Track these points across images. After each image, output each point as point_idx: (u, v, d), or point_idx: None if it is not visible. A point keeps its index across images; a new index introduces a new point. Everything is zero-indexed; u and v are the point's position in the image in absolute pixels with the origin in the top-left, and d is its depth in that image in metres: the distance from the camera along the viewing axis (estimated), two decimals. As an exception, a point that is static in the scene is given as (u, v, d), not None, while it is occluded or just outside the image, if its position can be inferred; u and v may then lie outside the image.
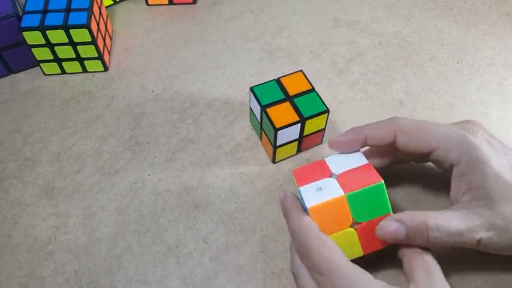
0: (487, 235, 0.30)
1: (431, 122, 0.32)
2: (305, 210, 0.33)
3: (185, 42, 0.53)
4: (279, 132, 0.39)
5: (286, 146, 0.41)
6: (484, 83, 0.48)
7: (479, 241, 0.30)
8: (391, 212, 0.32)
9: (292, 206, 0.33)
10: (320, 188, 0.33)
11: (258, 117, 0.41)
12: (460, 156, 0.30)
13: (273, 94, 0.40)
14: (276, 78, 0.42)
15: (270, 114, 0.39)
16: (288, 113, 0.39)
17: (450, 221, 0.30)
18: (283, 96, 0.40)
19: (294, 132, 0.40)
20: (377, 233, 0.32)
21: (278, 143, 0.40)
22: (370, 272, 0.30)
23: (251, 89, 0.41)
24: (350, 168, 0.34)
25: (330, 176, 0.34)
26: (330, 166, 0.35)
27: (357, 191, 0.32)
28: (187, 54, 0.52)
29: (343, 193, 0.32)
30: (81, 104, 0.48)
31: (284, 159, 0.43)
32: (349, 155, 0.36)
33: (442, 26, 0.54)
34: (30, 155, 0.44)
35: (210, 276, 0.37)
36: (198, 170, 0.43)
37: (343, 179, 0.33)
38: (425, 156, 0.33)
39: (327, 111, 0.40)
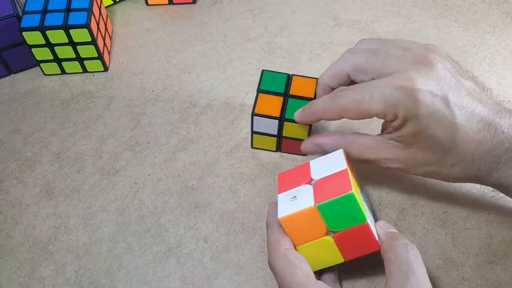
0: (393, 166, 0.34)
1: (368, 90, 0.31)
2: None
3: (185, 42, 0.53)
4: (255, 117, 0.39)
5: (264, 136, 0.42)
6: (484, 82, 0.48)
7: (385, 167, 0.35)
8: (367, 221, 0.31)
9: (270, 221, 0.34)
10: (294, 197, 0.32)
11: (255, 99, 0.41)
12: (396, 115, 0.31)
13: (276, 84, 0.41)
14: (290, 73, 0.42)
15: (258, 99, 0.40)
16: (274, 107, 0.40)
17: (356, 149, 0.35)
18: (282, 91, 0.41)
19: (271, 126, 0.40)
20: (302, 149, 0.37)
21: (255, 129, 0.41)
22: (360, 276, 0.30)
23: (263, 71, 0.42)
24: (328, 174, 0.32)
25: (309, 182, 0.33)
26: (311, 170, 0.34)
27: (326, 201, 0.30)
28: (187, 54, 0.52)
29: (313, 204, 0.31)
30: (81, 104, 0.48)
31: (280, 156, 0.43)
32: (332, 157, 0.34)
33: (442, 25, 0.54)
34: (30, 155, 0.44)
35: (210, 276, 0.37)
36: (198, 170, 0.43)
37: (318, 186, 0.32)
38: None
39: (310, 125, 0.39)
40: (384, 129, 0.34)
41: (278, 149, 0.43)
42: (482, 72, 0.49)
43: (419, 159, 0.33)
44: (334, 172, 0.32)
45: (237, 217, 0.40)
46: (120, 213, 0.40)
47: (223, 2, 0.57)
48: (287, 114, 0.39)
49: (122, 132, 0.46)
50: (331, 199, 0.30)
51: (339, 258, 0.32)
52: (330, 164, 0.33)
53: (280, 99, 0.40)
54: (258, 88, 0.40)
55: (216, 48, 0.52)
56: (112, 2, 0.57)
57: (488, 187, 0.35)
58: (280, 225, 0.32)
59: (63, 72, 0.50)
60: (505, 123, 0.31)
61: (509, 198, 0.38)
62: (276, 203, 0.34)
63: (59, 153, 0.44)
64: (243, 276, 0.37)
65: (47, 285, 0.37)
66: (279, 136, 0.41)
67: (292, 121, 0.39)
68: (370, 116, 0.32)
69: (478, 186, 0.41)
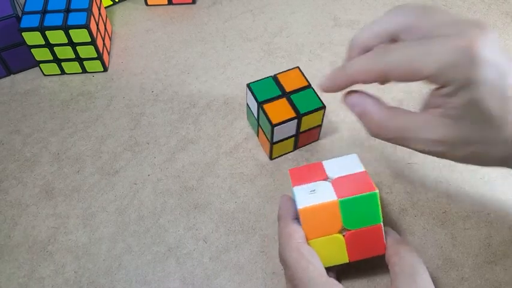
0: (433, 149, 0.29)
1: (423, 47, 0.27)
2: (296, 210, 0.33)
3: (184, 42, 0.53)
4: (275, 128, 0.39)
5: (283, 142, 0.41)
6: (483, 82, 0.48)
7: (423, 152, 0.29)
8: (381, 223, 0.32)
9: (282, 213, 0.33)
10: (314, 190, 0.32)
11: (255, 114, 0.42)
12: (451, 80, 0.26)
13: (269, 90, 0.41)
14: (272, 74, 0.42)
15: (266, 111, 0.39)
16: (285, 109, 0.39)
17: (401, 126, 0.29)
18: (279, 93, 0.41)
19: (290, 128, 0.40)
20: (343, 97, 0.31)
21: (275, 139, 0.40)
22: (360, 277, 0.30)
23: (248, 85, 0.41)
24: (346, 174, 0.33)
25: (325, 179, 0.34)
26: (326, 169, 0.35)
27: (350, 197, 0.31)
28: (187, 54, 0.52)
29: (336, 198, 0.31)
30: (80, 105, 0.48)
31: (281, 156, 0.43)
32: (347, 160, 0.35)
33: (441, 25, 0.54)
34: (29, 156, 0.44)
35: (210, 276, 0.37)
36: (198, 170, 0.43)
37: (337, 183, 0.33)
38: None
39: (324, 107, 0.40)
40: (428, 105, 0.29)
41: (295, 147, 0.43)
42: (482, 72, 0.49)
43: (466, 137, 0.28)
44: (352, 173, 0.33)
45: (236, 217, 0.40)
46: (120, 213, 0.40)
47: (222, 2, 0.57)
48: (301, 109, 0.39)
49: (121, 132, 0.46)
50: (355, 195, 0.31)
51: (344, 258, 0.33)
52: (346, 166, 0.34)
53: (284, 100, 0.40)
54: (258, 102, 0.40)
55: (216, 48, 0.52)
56: (111, 3, 0.57)
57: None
58: (294, 218, 0.32)
59: (62, 72, 0.50)
60: None
61: (509, 199, 0.38)
62: (289, 197, 0.34)
63: (58, 154, 0.44)
64: (243, 276, 0.37)
65: (46, 285, 0.37)
66: (297, 134, 0.41)
67: (308, 113, 0.39)
68: (419, 78, 0.27)
69: (477, 186, 0.41)
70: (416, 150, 0.29)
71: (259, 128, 0.42)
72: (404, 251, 0.31)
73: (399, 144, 0.29)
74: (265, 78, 0.42)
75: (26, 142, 0.45)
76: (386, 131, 0.29)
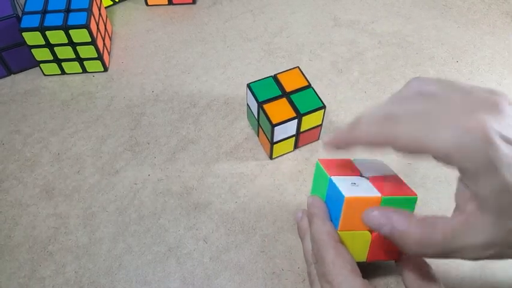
0: (483, 254, 0.25)
1: (433, 122, 0.26)
2: (334, 201, 0.32)
3: (185, 42, 0.53)
4: (275, 128, 0.39)
5: (283, 142, 0.41)
6: (483, 82, 0.48)
7: (474, 259, 0.26)
8: None
9: (317, 212, 0.33)
10: (354, 183, 0.32)
11: (255, 114, 0.42)
12: (466, 163, 0.24)
13: (269, 90, 0.41)
14: (272, 74, 0.42)
15: (266, 111, 0.39)
16: (285, 109, 0.39)
17: (445, 238, 0.26)
18: (280, 93, 0.41)
19: (290, 128, 0.40)
20: (362, 218, 0.30)
21: (275, 139, 0.40)
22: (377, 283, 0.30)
23: (248, 85, 0.41)
24: (380, 174, 0.33)
25: (360, 176, 0.33)
26: (358, 167, 0.34)
27: (393, 196, 0.31)
28: (187, 54, 0.52)
29: (380, 194, 0.31)
30: (81, 105, 0.48)
31: (281, 156, 0.43)
32: (375, 162, 0.35)
33: (441, 25, 0.54)
34: (30, 156, 0.44)
35: (210, 276, 0.37)
36: (198, 170, 0.43)
37: (376, 182, 0.32)
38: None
39: (324, 107, 0.40)
40: (460, 203, 0.27)
41: (295, 146, 0.43)
42: (482, 72, 0.49)
43: None
44: (386, 174, 0.33)
45: (236, 217, 0.40)
46: (120, 213, 0.40)
47: (223, 2, 0.57)
48: (301, 109, 0.40)
49: (121, 132, 0.46)
50: (397, 196, 0.31)
51: (362, 257, 0.32)
52: (377, 168, 0.34)
53: (284, 100, 0.40)
54: (258, 102, 0.40)
55: (216, 48, 0.53)
56: (112, 3, 0.57)
57: None
58: (329, 218, 0.32)
59: (63, 72, 0.50)
60: None
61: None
62: (318, 198, 0.34)
63: (58, 154, 0.44)
64: (243, 276, 0.37)
65: (46, 285, 0.37)
66: (297, 134, 0.41)
67: (308, 113, 0.39)
68: (426, 153, 0.26)
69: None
70: (468, 259, 0.26)
71: (260, 128, 0.42)
72: (420, 259, 0.31)
73: (445, 258, 0.27)
74: (265, 78, 0.42)
75: (26, 142, 0.45)
76: (430, 248, 0.26)
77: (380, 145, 0.28)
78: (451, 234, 0.26)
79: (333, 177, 0.32)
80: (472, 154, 0.24)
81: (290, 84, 0.41)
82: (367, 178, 0.33)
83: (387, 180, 0.33)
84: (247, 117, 0.46)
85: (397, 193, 0.31)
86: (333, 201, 0.32)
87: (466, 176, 0.25)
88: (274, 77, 0.42)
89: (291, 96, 0.40)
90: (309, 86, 0.41)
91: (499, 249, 0.25)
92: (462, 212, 0.26)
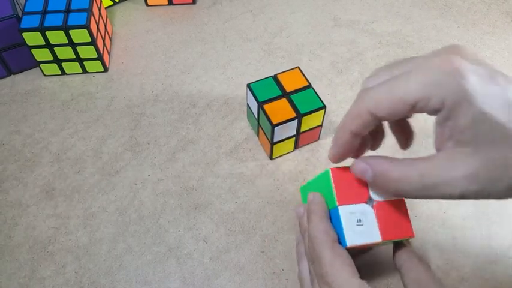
0: (468, 188, 0.25)
1: (402, 76, 0.26)
2: (336, 228, 0.32)
3: (184, 42, 0.53)
4: (276, 128, 0.39)
5: (283, 142, 0.41)
6: (483, 82, 0.48)
7: (462, 195, 0.25)
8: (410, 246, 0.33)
9: (315, 209, 0.32)
10: (359, 221, 0.31)
11: (255, 114, 0.42)
12: (442, 100, 0.25)
13: (270, 91, 0.41)
14: (272, 74, 0.42)
15: (267, 111, 0.39)
16: (285, 109, 0.39)
17: (423, 172, 0.26)
18: (280, 93, 0.41)
19: (291, 128, 0.40)
20: (351, 168, 0.30)
21: (275, 139, 0.40)
22: (359, 277, 0.30)
23: (248, 85, 0.41)
24: (386, 198, 0.32)
25: (367, 200, 0.32)
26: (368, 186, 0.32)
27: (391, 240, 0.31)
28: (187, 54, 0.52)
29: (380, 239, 0.31)
30: (81, 105, 0.48)
31: (282, 156, 0.43)
32: None
33: (441, 25, 0.54)
34: (30, 156, 0.44)
35: (210, 276, 0.37)
36: (198, 170, 0.43)
37: (380, 215, 0.31)
38: (411, 113, 0.27)
39: (324, 107, 0.40)
40: (439, 143, 0.27)
41: (295, 147, 0.43)
42: (482, 72, 0.49)
43: (495, 162, 0.24)
44: (392, 198, 0.32)
45: (237, 217, 0.40)
46: (120, 213, 0.40)
47: (222, 2, 0.57)
48: (301, 109, 0.40)
49: (121, 132, 0.46)
50: (396, 239, 0.31)
51: None
52: None
53: (284, 100, 0.40)
54: (258, 102, 0.40)
55: (216, 48, 0.53)
56: (112, 3, 0.57)
57: None
58: (328, 217, 0.32)
59: (63, 73, 0.50)
60: None
61: (510, 199, 0.38)
62: (319, 195, 0.33)
63: (58, 154, 0.44)
64: (243, 276, 0.37)
65: (47, 285, 0.37)
66: (297, 134, 0.41)
67: (309, 113, 0.39)
68: (408, 106, 0.26)
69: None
70: (451, 197, 0.25)
71: (260, 128, 0.42)
72: (419, 258, 0.31)
73: (429, 197, 0.26)
74: (265, 78, 0.42)
75: (26, 142, 0.45)
76: (410, 184, 0.26)
77: (368, 120, 0.27)
78: (431, 168, 0.26)
79: (342, 209, 0.31)
80: (446, 89, 0.24)
81: (290, 84, 0.41)
82: (373, 206, 0.32)
83: (392, 211, 0.32)
84: (247, 118, 0.46)
85: (396, 235, 0.31)
86: (334, 226, 0.32)
87: (442, 114, 0.25)
88: (274, 77, 0.42)
89: (291, 96, 0.40)
90: (309, 86, 0.41)
91: (482, 183, 0.25)
92: (441, 150, 0.26)
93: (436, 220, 0.39)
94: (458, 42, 0.52)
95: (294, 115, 0.39)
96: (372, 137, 0.32)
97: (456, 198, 0.25)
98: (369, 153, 0.31)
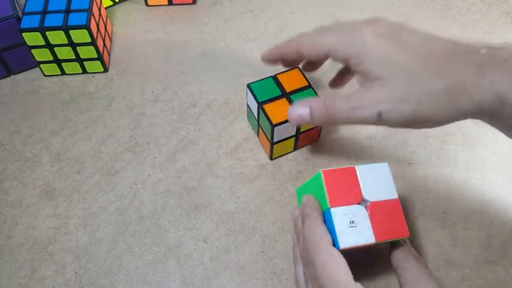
0: (385, 108, 0.31)
1: (325, 33, 0.35)
2: (331, 236, 0.31)
3: (185, 42, 0.53)
4: (276, 128, 0.39)
5: (283, 142, 0.41)
6: (483, 82, 0.48)
7: (379, 114, 0.31)
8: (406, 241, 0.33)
9: (309, 212, 0.33)
10: (352, 222, 0.31)
11: (255, 114, 0.42)
12: (348, 52, 0.33)
13: (269, 91, 0.41)
14: (272, 75, 0.42)
15: (267, 111, 0.39)
16: (285, 110, 0.39)
17: (349, 98, 0.33)
18: (280, 93, 0.41)
19: (291, 128, 0.40)
20: (288, 118, 0.36)
21: (275, 139, 0.40)
22: (360, 277, 0.30)
23: (248, 85, 0.41)
24: (381, 199, 0.32)
25: (360, 201, 0.32)
26: (361, 186, 0.33)
27: (385, 240, 0.31)
28: (187, 54, 0.52)
29: (374, 240, 0.31)
30: (81, 105, 0.48)
31: (282, 156, 0.43)
32: (381, 172, 0.34)
33: (441, 25, 0.54)
34: (30, 156, 0.44)
35: (210, 276, 0.37)
36: (198, 170, 0.43)
37: (374, 215, 0.32)
38: (325, 57, 0.36)
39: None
40: (360, 83, 0.35)
41: (295, 147, 0.43)
42: (482, 72, 0.49)
43: (401, 92, 0.31)
44: (386, 199, 0.32)
45: (237, 217, 0.40)
46: (120, 213, 0.40)
47: (223, 2, 0.57)
48: None
49: (121, 132, 0.46)
50: (389, 240, 0.31)
51: None
52: (380, 182, 0.33)
53: (284, 100, 0.40)
54: (258, 102, 0.40)
55: (216, 48, 0.53)
56: (112, 3, 0.57)
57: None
58: (322, 220, 0.32)
59: (63, 73, 0.50)
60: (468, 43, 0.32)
61: (509, 199, 0.38)
62: (313, 198, 0.33)
63: (58, 154, 0.44)
64: (243, 276, 0.37)
65: (47, 285, 0.37)
66: (297, 134, 0.41)
67: None
68: (323, 53, 0.35)
69: (477, 186, 0.41)
70: (372, 117, 0.32)
71: (260, 128, 0.42)
72: (415, 257, 0.32)
73: (352, 122, 0.33)
74: (265, 78, 0.42)
75: (26, 142, 0.45)
76: (338, 112, 0.33)
77: (294, 51, 0.36)
78: (350, 101, 0.33)
79: (334, 210, 0.31)
80: (349, 45, 0.33)
81: (290, 84, 0.41)
82: (367, 207, 0.32)
83: (386, 212, 0.32)
84: (247, 118, 0.46)
85: (390, 236, 0.31)
86: (328, 228, 0.32)
87: (353, 62, 0.33)
88: (274, 77, 0.42)
89: (291, 96, 0.40)
90: (309, 86, 0.41)
91: (391, 104, 0.31)
92: (358, 88, 0.34)
93: (436, 220, 0.39)
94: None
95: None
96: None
97: (376, 121, 0.32)
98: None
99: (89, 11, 0.46)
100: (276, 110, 0.39)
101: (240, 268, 0.37)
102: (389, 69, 0.31)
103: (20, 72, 0.51)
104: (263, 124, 0.41)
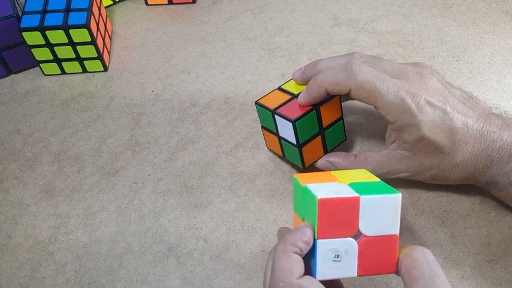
0: (406, 175, 0.37)
1: (384, 82, 0.34)
2: (310, 262, 0.29)
3: (185, 41, 0.53)
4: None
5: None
6: (483, 81, 0.48)
7: (397, 177, 0.38)
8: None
9: (291, 240, 0.29)
10: (337, 257, 0.28)
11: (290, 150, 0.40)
12: (396, 119, 0.35)
13: (310, 127, 0.38)
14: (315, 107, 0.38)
15: (303, 152, 0.39)
16: (317, 148, 0.40)
17: (374, 167, 0.37)
18: (317, 129, 0.39)
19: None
20: (316, 165, 0.39)
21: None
22: (360, 277, 0.29)
23: (293, 122, 0.37)
24: (378, 234, 0.29)
25: (354, 235, 0.28)
26: (360, 219, 0.28)
27: (369, 275, 0.29)
28: (187, 53, 0.52)
29: (355, 275, 0.28)
30: (81, 104, 0.48)
31: (281, 156, 0.43)
32: (388, 205, 0.29)
33: (441, 24, 0.54)
34: (30, 156, 0.44)
35: (210, 275, 0.37)
36: (198, 170, 0.43)
37: (363, 250, 0.28)
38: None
39: (345, 140, 0.41)
40: (388, 143, 0.37)
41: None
42: (482, 71, 0.49)
43: (425, 164, 0.36)
44: (384, 234, 0.29)
45: (237, 217, 0.40)
46: (120, 213, 0.40)
47: (223, 1, 0.57)
48: (329, 145, 0.40)
49: (121, 132, 0.46)
50: (372, 274, 0.29)
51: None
52: (383, 215, 0.29)
53: (319, 138, 0.39)
54: (299, 143, 0.38)
55: (216, 48, 0.53)
56: (112, 2, 0.57)
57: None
58: (297, 250, 0.28)
59: (63, 72, 0.50)
60: (495, 125, 0.35)
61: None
62: (309, 229, 0.29)
63: (58, 154, 0.44)
64: (243, 275, 0.37)
65: (47, 285, 0.37)
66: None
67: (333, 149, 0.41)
68: (377, 103, 0.35)
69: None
70: (390, 177, 0.38)
71: (283, 152, 0.41)
72: (416, 251, 0.29)
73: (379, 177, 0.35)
74: (309, 112, 0.37)
75: (26, 142, 0.45)
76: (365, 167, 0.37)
77: (345, 90, 0.35)
78: (379, 163, 0.37)
79: (320, 242, 0.28)
80: (404, 112, 0.34)
81: (327, 117, 0.39)
82: (358, 241, 0.28)
83: (379, 248, 0.29)
84: (267, 145, 0.43)
85: (374, 271, 0.29)
86: (310, 253, 0.29)
87: (394, 126, 0.35)
88: (317, 109, 0.38)
89: (325, 132, 0.39)
90: (341, 117, 0.40)
91: (412, 173, 0.37)
92: (387, 147, 0.37)
93: (436, 219, 0.39)
94: (459, 41, 0.52)
95: (322, 154, 0.40)
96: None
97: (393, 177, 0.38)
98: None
99: (88, 10, 0.46)
100: (310, 150, 0.39)
101: (240, 267, 0.37)
102: (424, 147, 0.35)
103: (20, 71, 0.51)
104: (288, 154, 0.41)
